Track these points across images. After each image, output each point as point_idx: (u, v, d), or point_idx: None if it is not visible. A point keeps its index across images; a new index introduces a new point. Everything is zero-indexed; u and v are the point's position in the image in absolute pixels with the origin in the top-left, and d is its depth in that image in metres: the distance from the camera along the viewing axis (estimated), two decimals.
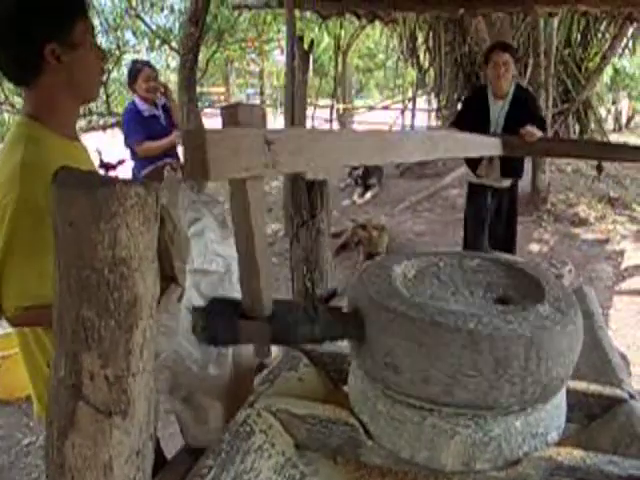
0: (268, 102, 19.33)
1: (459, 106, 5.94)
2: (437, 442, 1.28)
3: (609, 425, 1.52)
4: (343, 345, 1.79)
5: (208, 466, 1.27)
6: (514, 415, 1.28)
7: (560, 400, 1.38)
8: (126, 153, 5.02)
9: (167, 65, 15.12)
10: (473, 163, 4.84)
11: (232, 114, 1.28)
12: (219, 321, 1.33)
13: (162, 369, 1.76)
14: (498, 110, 4.60)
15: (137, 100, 5.02)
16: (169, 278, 1.77)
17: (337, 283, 2.51)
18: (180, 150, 5.58)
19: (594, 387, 1.59)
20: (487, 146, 3.98)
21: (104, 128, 11.07)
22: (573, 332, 1.29)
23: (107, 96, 10.56)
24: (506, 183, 4.86)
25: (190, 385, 1.81)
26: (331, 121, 15.73)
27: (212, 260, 1.88)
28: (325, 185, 2.38)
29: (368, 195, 9.22)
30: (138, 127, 4.96)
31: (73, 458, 0.96)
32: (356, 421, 1.39)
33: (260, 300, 1.35)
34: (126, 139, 5.06)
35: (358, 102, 24.03)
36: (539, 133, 4.18)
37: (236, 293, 1.88)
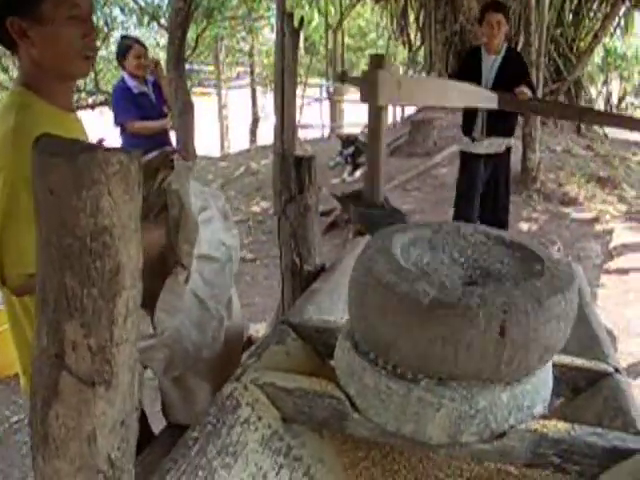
0: (258, 80, 19.21)
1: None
2: (423, 415, 1.28)
3: (594, 398, 1.53)
4: (331, 319, 1.79)
5: (194, 438, 1.27)
6: (500, 388, 1.28)
7: (546, 374, 1.39)
8: (111, 131, 4.97)
9: (157, 43, 15.01)
10: (466, 127, 5.06)
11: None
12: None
13: (162, 347, 1.76)
14: (490, 64, 4.93)
15: (126, 77, 4.97)
16: (175, 260, 1.79)
17: (326, 260, 2.51)
18: (172, 135, 5.56)
19: (580, 361, 1.60)
20: (484, 97, 4.63)
21: (92, 106, 11.00)
22: (567, 308, 1.28)
23: (95, 74, 10.48)
24: (500, 148, 5.02)
25: (184, 366, 1.82)
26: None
27: (217, 248, 1.92)
28: (313, 161, 2.38)
29: (358, 173, 9.20)
30: (129, 105, 4.91)
31: (57, 428, 0.96)
32: (342, 394, 1.39)
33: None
34: (116, 117, 5.01)
35: None
36: (530, 93, 4.71)
37: (230, 282, 1.94)
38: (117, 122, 4.99)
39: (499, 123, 4.94)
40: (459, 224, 1.63)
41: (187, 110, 6.88)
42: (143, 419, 1.97)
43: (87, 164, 0.83)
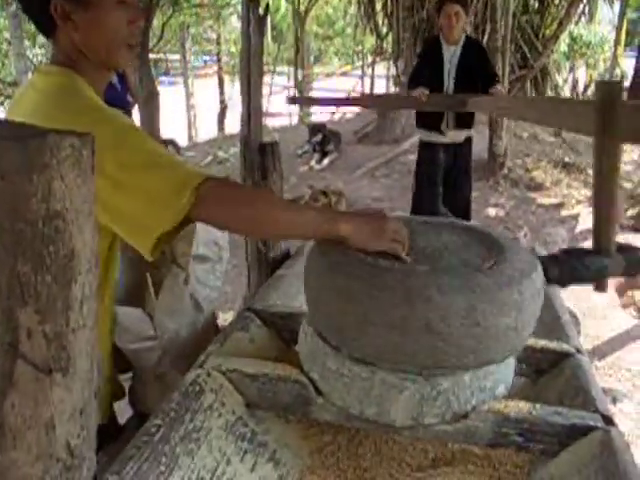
0: (225, 69, 19.08)
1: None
2: (386, 397, 1.29)
3: (556, 379, 1.55)
4: (296, 305, 1.79)
5: (156, 425, 1.26)
6: (463, 370, 1.29)
7: None
8: None
9: None
10: (431, 121, 4.98)
11: None
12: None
13: (159, 349, 1.75)
14: (451, 55, 4.90)
15: None
16: (172, 260, 1.76)
17: (291, 246, 2.50)
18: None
19: (542, 342, 1.62)
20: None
21: None
22: (534, 293, 1.29)
23: None
24: (460, 138, 5.03)
25: (173, 365, 1.81)
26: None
27: (210, 248, 1.92)
28: (277, 147, 2.37)
29: (326, 161, 9.20)
30: None
31: (13, 418, 0.94)
32: (306, 379, 1.39)
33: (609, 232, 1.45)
34: None
35: (317, 69, 23.86)
36: (505, 91, 4.74)
37: (219, 283, 1.92)
38: None
39: (463, 115, 4.92)
40: (411, 217, 1.65)
41: (152, 99, 6.81)
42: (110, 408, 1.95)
43: (38, 148, 0.81)
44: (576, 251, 1.54)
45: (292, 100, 7.75)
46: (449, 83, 4.92)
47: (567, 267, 1.50)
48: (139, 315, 1.73)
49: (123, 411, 2.08)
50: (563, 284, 1.58)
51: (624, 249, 1.54)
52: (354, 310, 1.24)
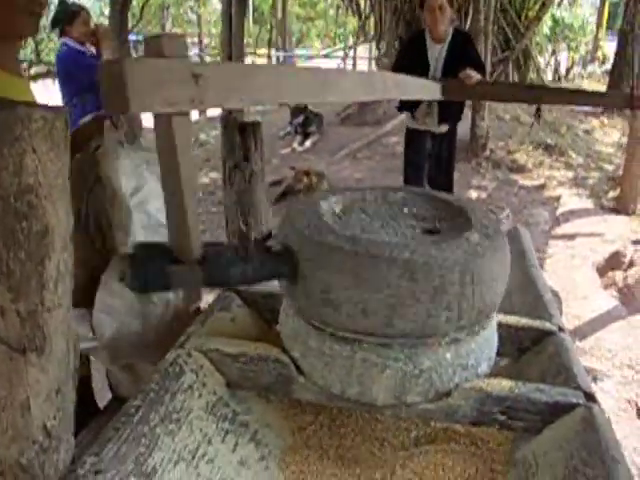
0: (207, 50, 18.94)
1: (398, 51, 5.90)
2: (368, 376, 1.28)
3: (538, 357, 1.55)
4: (276, 284, 1.78)
5: (136, 406, 1.24)
6: (445, 347, 1.28)
7: (491, 333, 1.39)
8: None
9: (101, 12, 14.65)
10: (410, 108, 4.85)
11: (156, 44, 1.23)
12: (148, 267, 1.28)
13: (104, 348, 1.70)
14: (436, 54, 4.57)
15: (71, 43, 4.74)
16: (110, 251, 1.70)
17: (274, 228, 2.49)
18: None
19: (525, 320, 1.62)
20: (426, 89, 3.99)
21: (34, 78, 10.68)
22: (503, 258, 1.30)
23: (36, 43, 10.16)
24: (444, 128, 4.87)
25: (130, 356, 1.77)
26: None
27: (155, 232, 1.79)
28: (258, 127, 2.34)
29: (308, 143, 9.18)
30: (79, 72, 4.62)
31: None
32: (287, 358, 1.38)
33: (189, 243, 1.32)
34: (67, 86, 4.75)
35: (299, 51, 23.75)
36: (477, 76, 4.20)
37: None
38: (70, 92, 4.71)
39: (444, 110, 4.70)
40: (385, 187, 1.64)
41: None
42: (89, 392, 1.94)
43: (7, 120, 0.79)
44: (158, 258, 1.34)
45: None
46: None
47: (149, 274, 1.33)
48: (78, 315, 1.65)
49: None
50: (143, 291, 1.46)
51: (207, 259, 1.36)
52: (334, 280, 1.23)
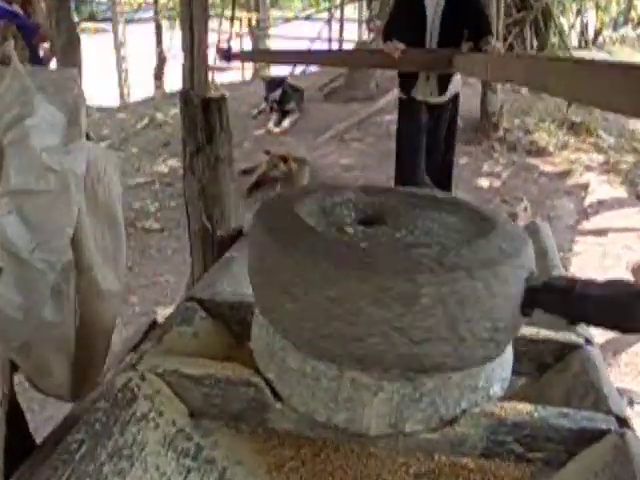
0: (164, 13, 18.85)
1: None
2: (358, 400, 1.28)
3: (562, 375, 1.56)
4: (249, 293, 1.77)
5: (79, 440, 1.24)
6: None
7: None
8: None
9: None
10: (407, 83, 4.93)
11: None
12: None
13: None
14: (434, 5, 4.70)
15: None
16: None
17: (246, 224, 2.48)
18: None
19: (545, 333, 1.62)
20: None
21: None
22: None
23: None
24: (444, 97, 4.95)
25: (19, 335, 1.69)
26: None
27: (40, 177, 1.58)
28: (225, 103, 2.34)
29: (286, 123, 9.18)
30: None
31: None
32: (261, 380, 1.38)
33: None
34: None
35: (276, 13, 23.74)
36: (500, 46, 4.49)
37: (71, 219, 1.66)
38: None
39: (444, 78, 4.82)
40: (367, 186, 1.65)
41: (72, 46, 6.68)
42: (23, 424, 1.93)
43: None
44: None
45: (225, 54, 6.97)
46: (432, 43, 4.75)
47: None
48: None
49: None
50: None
51: None
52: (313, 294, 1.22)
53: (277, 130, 9.02)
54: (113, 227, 1.86)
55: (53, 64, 5.28)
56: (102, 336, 1.84)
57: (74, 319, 1.74)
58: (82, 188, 1.68)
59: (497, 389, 1.37)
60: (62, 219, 1.62)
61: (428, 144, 5.08)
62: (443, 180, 5.05)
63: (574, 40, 15.50)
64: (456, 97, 5.07)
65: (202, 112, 2.25)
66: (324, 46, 15.08)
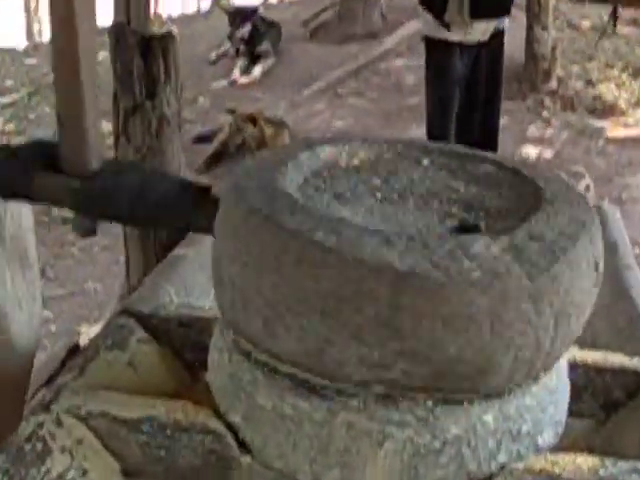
0: None
1: None
2: (356, 453, 1.28)
3: (637, 416, 1.56)
4: (205, 305, 1.78)
5: None
6: (483, 404, 1.28)
7: (557, 380, 1.40)
8: None
9: None
10: (435, 6, 4.88)
11: None
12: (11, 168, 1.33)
13: None
14: None
15: None
16: None
17: None
18: None
19: (615, 358, 1.62)
20: None
21: None
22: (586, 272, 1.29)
23: None
24: (485, 35, 4.94)
25: None
26: None
27: None
28: (172, 43, 2.33)
29: (257, 71, 9.17)
30: None
31: None
32: (222, 425, 1.38)
33: (84, 148, 1.36)
34: None
35: None
36: None
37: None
38: None
39: None
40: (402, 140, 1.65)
41: None
42: None
43: None
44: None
45: None
46: None
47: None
48: None
49: None
50: None
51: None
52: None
53: (245, 80, 9.02)
54: (25, 267, 1.91)
55: None
56: (13, 391, 1.87)
57: None
58: None
59: (548, 436, 1.37)
60: None
61: (463, 97, 5.09)
62: (484, 142, 4.99)
63: None
64: (499, 35, 5.06)
65: (141, 55, 2.24)
66: None
